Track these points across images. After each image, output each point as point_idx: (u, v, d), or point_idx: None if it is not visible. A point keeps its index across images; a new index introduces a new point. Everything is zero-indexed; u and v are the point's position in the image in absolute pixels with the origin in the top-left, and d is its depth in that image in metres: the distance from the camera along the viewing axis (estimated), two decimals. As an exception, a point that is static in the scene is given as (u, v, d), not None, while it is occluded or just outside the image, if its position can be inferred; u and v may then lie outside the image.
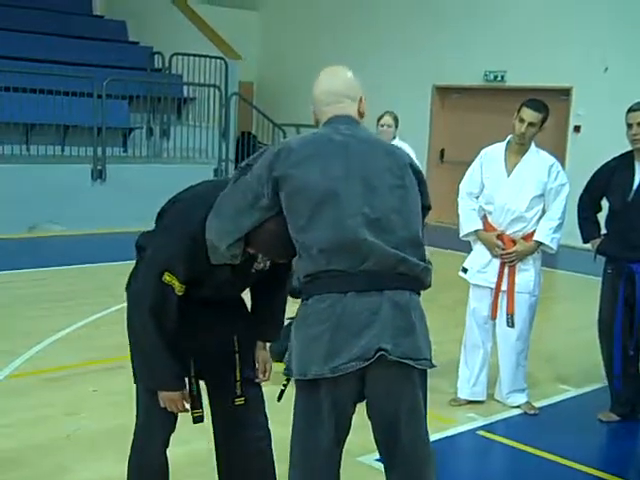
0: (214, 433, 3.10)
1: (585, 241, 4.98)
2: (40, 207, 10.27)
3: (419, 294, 2.58)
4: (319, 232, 2.45)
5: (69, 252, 9.45)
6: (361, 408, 2.57)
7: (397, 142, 6.05)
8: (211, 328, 2.91)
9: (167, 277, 2.68)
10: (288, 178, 2.49)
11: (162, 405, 2.81)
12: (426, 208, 2.71)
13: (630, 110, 4.59)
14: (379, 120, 6.23)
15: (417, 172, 2.68)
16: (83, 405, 4.62)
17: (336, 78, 2.72)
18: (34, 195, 10.22)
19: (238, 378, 2.96)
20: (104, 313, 6.55)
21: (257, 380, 3.03)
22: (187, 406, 2.85)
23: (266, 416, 3.06)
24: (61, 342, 5.84)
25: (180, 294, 2.71)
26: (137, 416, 2.96)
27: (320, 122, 2.70)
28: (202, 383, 2.98)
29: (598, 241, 4.82)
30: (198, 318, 2.88)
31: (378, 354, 2.41)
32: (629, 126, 4.59)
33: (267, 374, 3.05)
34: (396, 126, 6.38)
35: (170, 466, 3.01)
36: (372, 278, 2.46)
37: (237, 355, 2.96)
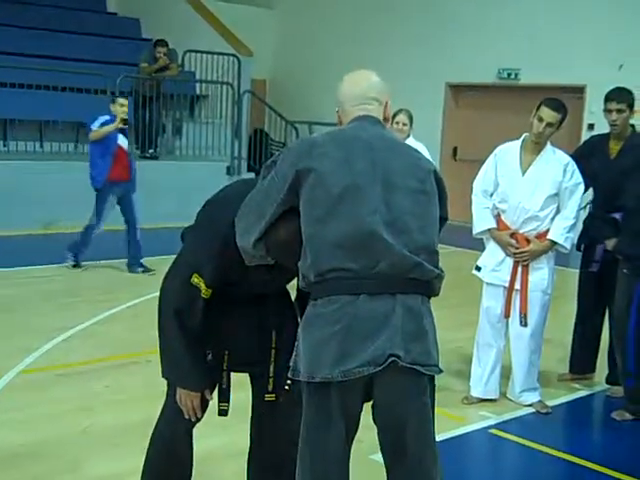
0: (250, 424, 3.11)
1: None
2: (54, 204, 10.28)
3: (429, 299, 2.55)
4: (337, 225, 2.42)
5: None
6: (368, 407, 2.55)
7: (412, 141, 6.02)
8: (249, 322, 2.89)
9: (195, 279, 2.68)
10: (311, 171, 2.46)
11: (177, 398, 2.82)
12: (443, 219, 2.67)
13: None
14: (393, 118, 6.14)
15: (439, 180, 2.65)
16: (97, 401, 4.65)
17: (363, 81, 2.70)
18: (48, 192, 10.25)
19: (271, 374, 2.94)
20: (117, 310, 6.54)
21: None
22: (198, 411, 2.84)
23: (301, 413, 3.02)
24: (75, 338, 5.86)
25: (205, 297, 2.71)
26: (165, 403, 2.96)
27: (344, 123, 2.68)
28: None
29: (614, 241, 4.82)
30: (236, 312, 2.87)
31: (390, 359, 2.37)
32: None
33: None
34: (411, 125, 6.35)
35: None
36: (385, 281, 2.42)
37: (274, 351, 2.93)
